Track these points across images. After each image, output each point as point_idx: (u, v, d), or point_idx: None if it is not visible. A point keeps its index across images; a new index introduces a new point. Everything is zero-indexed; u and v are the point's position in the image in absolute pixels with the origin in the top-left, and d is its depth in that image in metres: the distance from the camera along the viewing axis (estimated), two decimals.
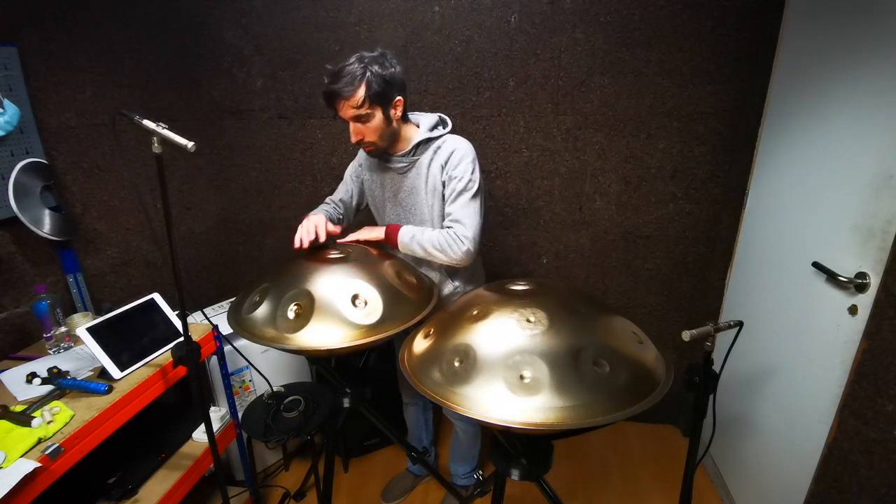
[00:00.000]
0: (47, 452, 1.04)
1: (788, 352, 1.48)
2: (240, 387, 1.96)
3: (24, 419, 1.10)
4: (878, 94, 1.15)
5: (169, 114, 2.05)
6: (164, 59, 2.01)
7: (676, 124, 1.89)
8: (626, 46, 1.82)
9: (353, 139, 1.36)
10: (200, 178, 2.25)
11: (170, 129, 1.02)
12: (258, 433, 1.60)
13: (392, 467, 2.13)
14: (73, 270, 1.65)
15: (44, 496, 1.03)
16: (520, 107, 1.98)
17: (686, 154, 1.92)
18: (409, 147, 1.41)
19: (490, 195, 2.11)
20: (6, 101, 1.38)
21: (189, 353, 1.23)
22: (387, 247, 1.47)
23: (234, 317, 1.25)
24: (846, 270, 1.22)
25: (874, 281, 1.14)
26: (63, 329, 1.47)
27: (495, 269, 2.21)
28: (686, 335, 1.05)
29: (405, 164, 1.44)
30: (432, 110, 1.51)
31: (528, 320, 0.96)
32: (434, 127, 1.44)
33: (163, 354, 1.40)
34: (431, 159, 1.41)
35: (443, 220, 1.44)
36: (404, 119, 1.41)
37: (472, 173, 1.38)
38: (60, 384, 1.23)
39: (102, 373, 1.29)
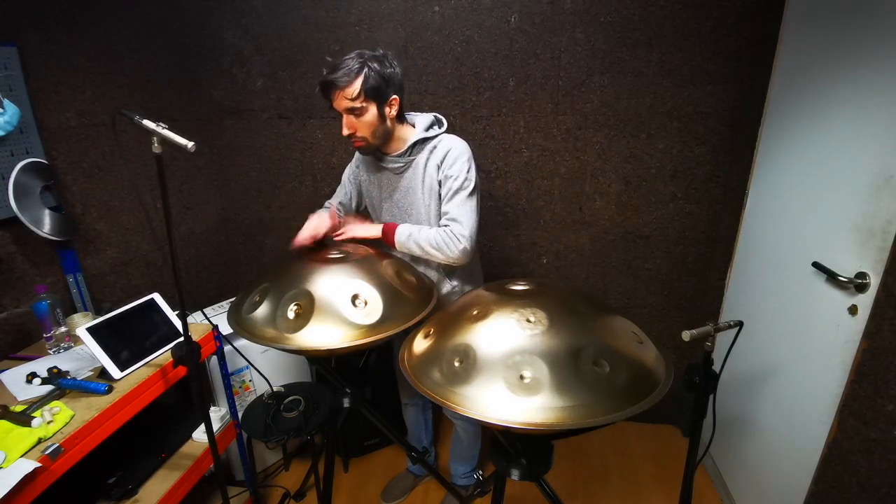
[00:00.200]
0: (47, 452, 1.04)
1: (788, 352, 1.48)
2: (240, 387, 1.96)
3: (24, 419, 1.10)
4: (878, 94, 1.15)
5: (169, 114, 2.05)
6: (164, 59, 2.01)
7: (676, 124, 1.89)
8: (626, 46, 1.82)
9: (345, 132, 1.36)
10: (200, 178, 2.25)
11: (170, 129, 1.02)
12: (258, 433, 1.60)
13: (392, 467, 2.13)
14: (73, 270, 1.65)
15: (44, 496, 1.03)
16: (520, 107, 1.98)
17: (686, 154, 1.92)
18: (405, 147, 1.42)
19: (490, 195, 2.11)
20: (6, 101, 1.38)
21: (189, 353, 1.23)
22: (384, 245, 1.47)
23: (234, 317, 1.25)
24: (846, 270, 1.22)
25: (874, 281, 1.14)
26: (63, 329, 1.47)
27: (495, 269, 2.21)
28: (686, 335, 1.05)
29: (401, 165, 1.45)
30: (432, 110, 1.51)
31: (528, 320, 0.96)
32: (430, 127, 1.45)
33: (163, 354, 1.40)
34: (427, 159, 1.42)
35: (439, 219, 1.44)
36: (400, 120, 1.42)
37: (468, 172, 1.39)
38: (60, 384, 1.23)
39: (102, 373, 1.29)
